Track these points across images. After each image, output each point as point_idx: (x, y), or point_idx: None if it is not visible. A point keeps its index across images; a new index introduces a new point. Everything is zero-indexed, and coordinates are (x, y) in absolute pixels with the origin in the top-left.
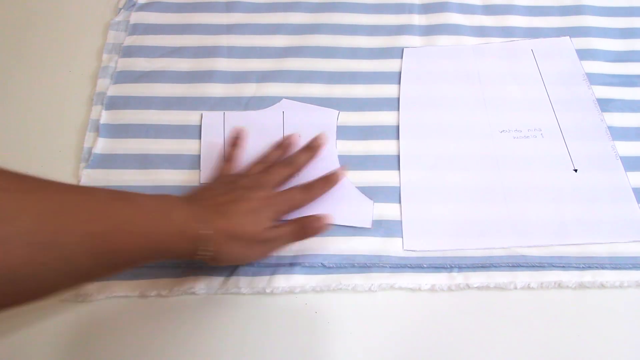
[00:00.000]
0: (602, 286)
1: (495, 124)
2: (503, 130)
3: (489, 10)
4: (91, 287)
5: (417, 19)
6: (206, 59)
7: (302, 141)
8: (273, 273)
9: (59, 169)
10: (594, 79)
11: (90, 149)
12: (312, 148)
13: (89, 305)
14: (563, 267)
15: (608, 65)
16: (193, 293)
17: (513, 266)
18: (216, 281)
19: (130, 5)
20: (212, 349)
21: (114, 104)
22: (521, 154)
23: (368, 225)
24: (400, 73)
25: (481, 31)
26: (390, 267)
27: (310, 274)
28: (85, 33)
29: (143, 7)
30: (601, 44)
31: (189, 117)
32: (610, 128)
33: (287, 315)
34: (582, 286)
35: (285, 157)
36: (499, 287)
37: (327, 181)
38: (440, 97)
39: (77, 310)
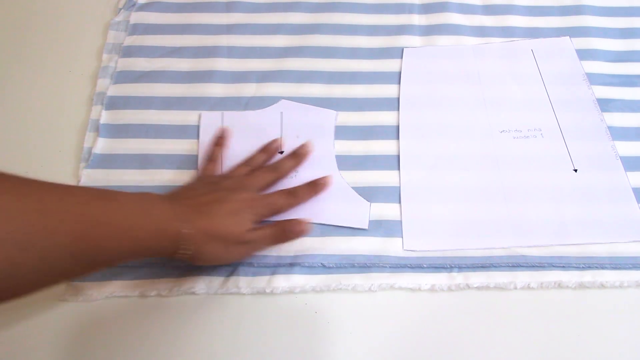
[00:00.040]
0: (602, 286)
1: (495, 124)
2: (503, 130)
3: (489, 10)
4: (91, 287)
5: (417, 19)
6: (206, 59)
7: (299, 142)
8: (273, 273)
9: (59, 169)
10: (594, 79)
11: (90, 149)
12: (298, 155)
13: (89, 305)
14: (563, 267)
15: (608, 65)
16: (193, 293)
17: (513, 266)
18: (216, 281)
19: (130, 5)
20: (212, 348)
21: (114, 104)
22: (521, 154)
23: (364, 226)
24: (400, 73)
25: (481, 31)
26: (390, 267)
27: (310, 274)
28: (85, 33)
29: (143, 7)
30: (601, 44)
31: (189, 117)
32: (610, 128)
33: (287, 315)
34: (582, 286)
35: (270, 162)
36: (499, 287)
37: (313, 187)
38: (440, 97)
39: (77, 310)
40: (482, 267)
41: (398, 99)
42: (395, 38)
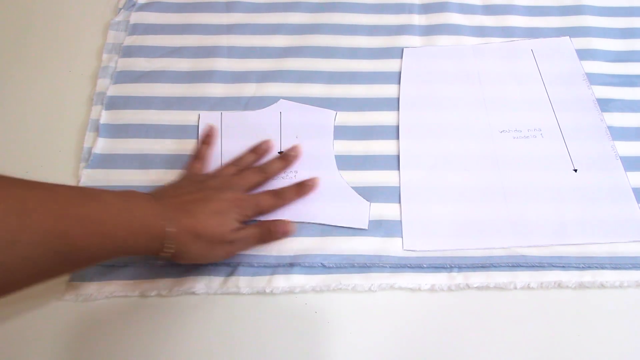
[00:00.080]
0: (602, 286)
1: (495, 124)
2: (503, 130)
3: (489, 10)
4: (91, 287)
5: (417, 19)
6: (206, 59)
7: (299, 142)
8: (273, 273)
9: (59, 169)
10: (594, 79)
11: (90, 149)
12: (287, 158)
13: (89, 305)
14: (563, 267)
15: (608, 65)
16: (193, 293)
17: (513, 266)
18: (216, 281)
19: (130, 5)
20: (212, 348)
21: (114, 104)
22: (521, 154)
23: (364, 226)
24: (400, 73)
25: (481, 31)
26: (390, 267)
27: (310, 274)
28: (85, 33)
29: (143, 7)
30: (601, 44)
31: (189, 117)
32: (610, 128)
33: (287, 315)
34: (582, 286)
35: (258, 163)
36: (499, 287)
37: (299, 189)
38: (440, 97)
39: (77, 310)
40: (482, 267)
41: (398, 99)
42: (395, 38)
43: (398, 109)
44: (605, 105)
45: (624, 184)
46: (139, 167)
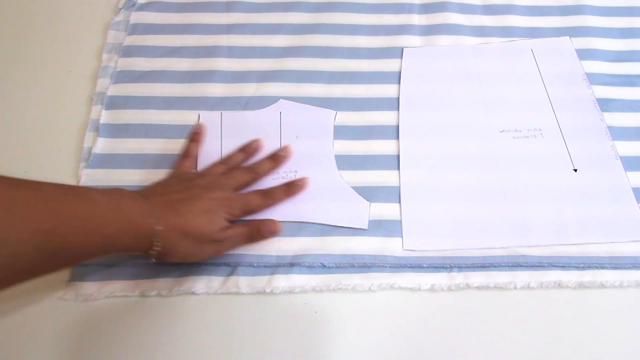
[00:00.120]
0: (602, 286)
1: (495, 124)
2: (503, 130)
3: (489, 10)
4: (91, 287)
5: (417, 19)
6: (206, 59)
7: (298, 142)
8: (273, 273)
9: (59, 169)
10: (594, 79)
11: (90, 148)
12: (276, 158)
13: (89, 305)
14: (563, 267)
15: (608, 65)
16: (193, 293)
17: (513, 266)
18: (216, 281)
19: (130, 5)
20: (212, 348)
21: (113, 103)
22: (521, 154)
23: (364, 226)
24: (400, 73)
25: (481, 31)
26: (390, 267)
27: (310, 274)
28: (85, 33)
29: (143, 7)
30: (601, 44)
31: (189, 117)
32: (610, 128)
33: (287, 315)
34: (582, 286)
35: (248, 163)
36: (499, 287)
37: (288, 189)
38: (440, 97)
39: (77, 310)
40: (482, 267)
41: (398, 98)
42: (395, 38)
43: (398, 109)
44: (605, 105)
45: (624, 184)
46: (139, 167)
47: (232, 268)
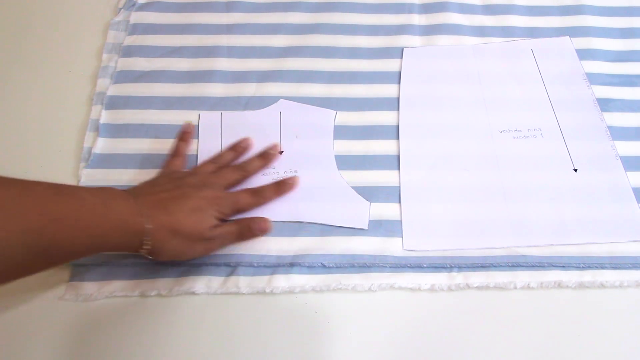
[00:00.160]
0: (602, 286)
1: (495, 124)
2: (503, 130)
3: (489, 10)
4: (91, 287)
5: (417, 19)
6: (206, 59)
7: (298, 142)
8: (273, 273)
9: (59, 169)
10: (594, 78)
11: (90, 148)
12: (266, 156)
13: (89, 305)
14: (563, 267)
15: (608, 65)
16: (193, 293)
17: (513, 266)
18: (216, 281)
19: (130, 5)
20: (212, 348)
21: (113, 103)
22: (521, 154)
23: (364, 226)
24: (400, 73)
25: (481, 31)
26: (390, 267)
27: (310, 274)
28: (85, 33)
29: (143, 7)
30: (601, 43)
31: (189, 117)
32: (610, 128)
33: (287, 315)
34: (582, 286)
35: (237, 161)
36: (499, 287)
37: (278, 188)
38: (440, 97)
39: (77, 310)
40: (482, 267)
41: (398, 98)
42: (395, 38)
43: (398, 109)
44: (605, 105)
45: (624, 184)
46: (139, 167)
47: (232, 268)
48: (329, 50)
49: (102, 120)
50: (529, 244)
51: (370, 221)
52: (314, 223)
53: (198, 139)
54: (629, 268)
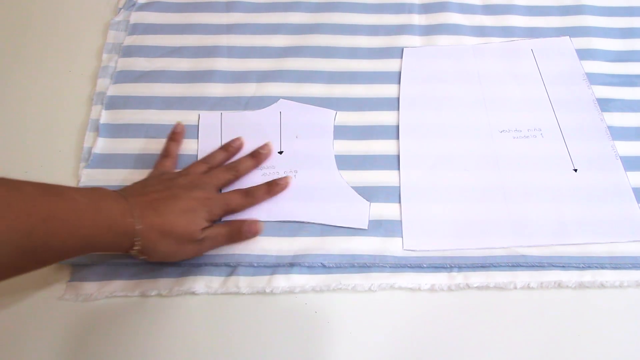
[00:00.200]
0: (602, 286)
1: (495, 124)
2: (503, 130)
3: (489, 10)
4: (91, 287)
5: (417, 19)
6: (206, 59)
7: (298, 142)
8: (273, 273)
9: (59, 169)
10: (594, 78)
11: (90, 148)
12: (257, 156)
13: (89, 305)
14: (563, 267)
15: (608, 65)
16: (193, 293)
17: (513, 266)
18: (216, 281)
19: (130, 5)
20: (212, 348)
21: (113, 103)
22: (521, 154)
23: (364, 226)
24: (400, 73)
25: (481, 31)
26: (390, 267)
27: (310, 274)
28: (85, 33)
29: (143, 7)
30: (601, 43)
31: (189, 117)
32: (610, 128)
33: (287, 315)
34: (582, 286)
35: (229, 162)
36: (499, 287)
37: (270, 188)
38: (440, 97)
39: (77, 310)
40: (482, 267)
41: (398, 98)
42: (395, 38)
43: (398, 109)
44: (605, 105)
45: (624, 184)
46: (139, 167)
47: (232, 268)
48: (329, 50)
49: (102, 120)
50: (529, 244)
51: (370, 221)
52: (314, 223)
53: (198, 139)
54: (629, 268)
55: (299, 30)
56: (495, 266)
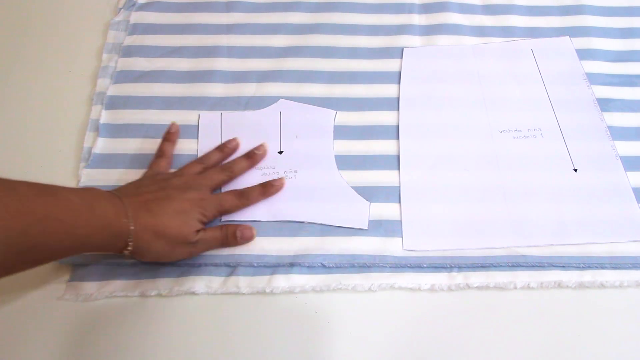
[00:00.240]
0: (602, 286)
1: (495, 124)
2: (503, 130)
3: (489, 10)
4: (91, 287)
5: (417, 19)
6: (206, 59)
7: (298, 142)
8: (273, 273)
9: (59, 169)
10: (594, 78)
11: (90, 148)
12: (252, 156)
13: (89, 305)
14: (563, 267)
15: (608, 65)
16: (193, 293)
17: (513, 266)
18: (216, 281)
19: (130, 5)
20: (212, 348)
21: (113, 103)
22: (521, 154)
23: (364, 226)
24: (400, 73)
25: (481, 31)
26: (390, 267)
27: (310, 274)
28: (85, 33)
29: (143, 7)
30: (601, 43)
31: (189, 117)
32: (610, 128)
33: (287, 315)
34: (582, 286)
35: (224, 162)
36: (499, 287)
37: (264, 189)
38: (440, 97)
39: (77, 310)
40: (482, 267)
41: (398, 98)
42: (395, 38)
43: (398, 109)
44: (605, 105)
45: (624, 184)
46: (139, 167)
47: (232, 268)
48: (329, 50)
49: (102, 120)
50: (529, 244)
51: (370, 221)
52: (314, 223)
53: (198, 139)
54: (629, 268)
55: (299, 30)
56: (495, 266)
